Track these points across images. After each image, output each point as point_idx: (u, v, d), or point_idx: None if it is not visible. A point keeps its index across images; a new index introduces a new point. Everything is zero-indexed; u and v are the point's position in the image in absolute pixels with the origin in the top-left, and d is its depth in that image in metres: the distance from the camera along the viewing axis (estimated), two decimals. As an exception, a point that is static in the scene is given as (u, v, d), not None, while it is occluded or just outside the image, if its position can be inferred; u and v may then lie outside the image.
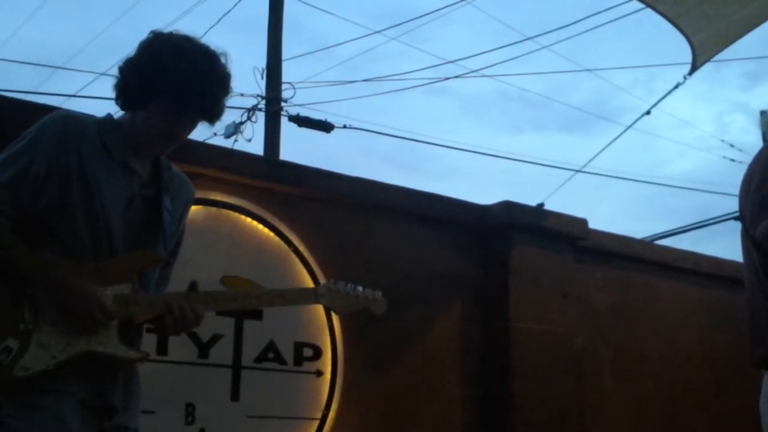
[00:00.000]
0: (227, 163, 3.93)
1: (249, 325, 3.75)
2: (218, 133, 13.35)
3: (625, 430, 5.05)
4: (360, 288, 2.78)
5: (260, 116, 12.69)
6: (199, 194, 3.73)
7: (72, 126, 2.34)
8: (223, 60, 2.43)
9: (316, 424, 3.86)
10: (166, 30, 2.45)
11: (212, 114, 2.44)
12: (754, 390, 2.86)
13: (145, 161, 2.47)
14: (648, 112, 10.08)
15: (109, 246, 2.31)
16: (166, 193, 2.48)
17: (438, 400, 4.38)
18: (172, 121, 2.38)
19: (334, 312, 2.84)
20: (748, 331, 2.83)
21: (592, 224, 5.02)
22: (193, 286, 2.45)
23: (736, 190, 2.91)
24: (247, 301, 2.67)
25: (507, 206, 4.70)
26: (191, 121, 2.43)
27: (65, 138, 2.30)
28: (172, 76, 2.31)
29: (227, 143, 12.86)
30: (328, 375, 3.94)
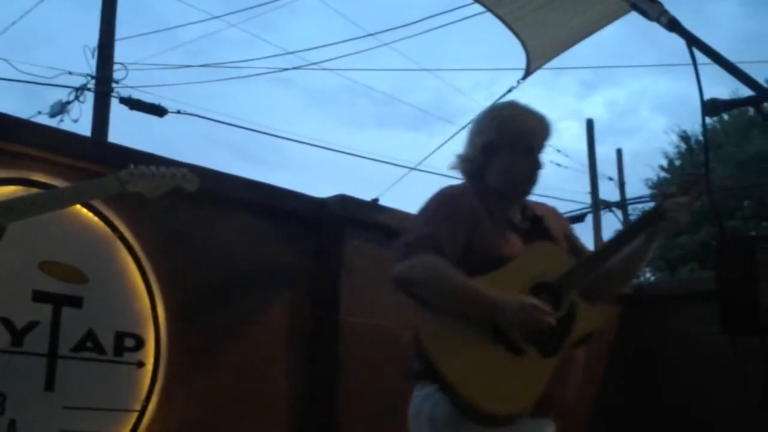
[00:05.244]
0: (51, 143, 3.74)
1: (67, 312, 3.59)
2: (43, 111, 12.83)
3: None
4: (163, 168, 2.63)
5: (89, 96, 12.27)
6: (21, 174, 3.55)
7: None
8: None
9: (135, 416, 3.74)
10: None
11: None
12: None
13: None
14: (479, 115, 10.35)
15: None
16: None
17: (265, 392, 4.35)
18: None
19: (145, 195, 2.63)
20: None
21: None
22: None
23: (563, 194, 3.01)
24: (48, 203, 2.41)
25: (342, 200, 4.72)
26: None
27: None
28: None
29: (52, 122, 12.40)
30: (150, 366, 3.82)
